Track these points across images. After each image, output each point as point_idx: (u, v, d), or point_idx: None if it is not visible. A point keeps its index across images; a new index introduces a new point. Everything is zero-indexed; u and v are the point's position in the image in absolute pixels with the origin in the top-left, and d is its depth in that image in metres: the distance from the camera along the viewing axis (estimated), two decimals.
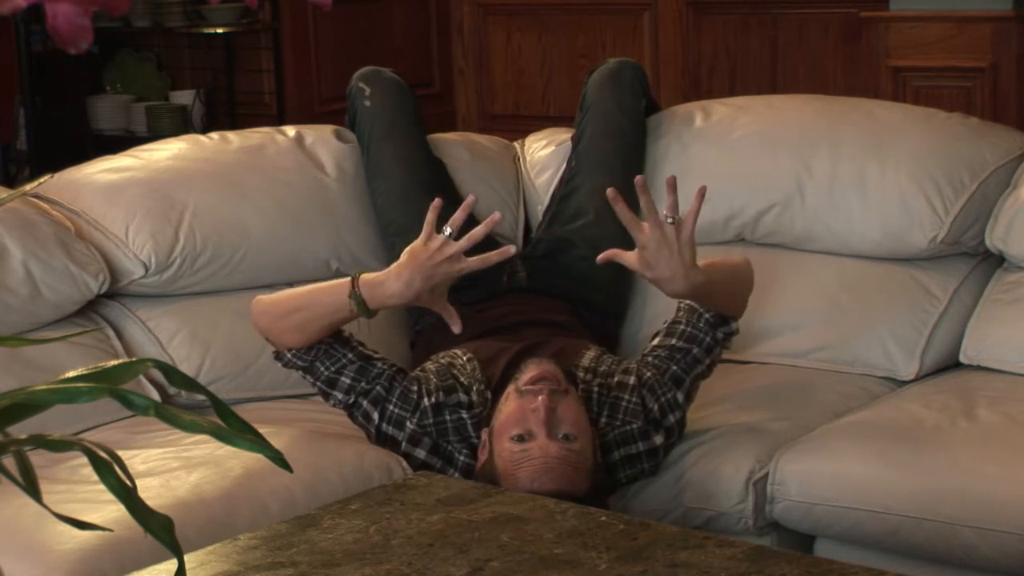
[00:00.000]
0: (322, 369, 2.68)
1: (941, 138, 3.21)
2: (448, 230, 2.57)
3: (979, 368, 3.03)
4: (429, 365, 2.77)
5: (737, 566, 1.84)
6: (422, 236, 2.56)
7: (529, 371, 2.56)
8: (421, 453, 2.67)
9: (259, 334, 2.74)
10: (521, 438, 2.47)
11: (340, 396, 2.69)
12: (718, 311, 2.72)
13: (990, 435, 2.69)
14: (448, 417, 2.66)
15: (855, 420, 2.83)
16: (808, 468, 2.69)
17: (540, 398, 2.48)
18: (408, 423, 2.67)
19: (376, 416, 2.69)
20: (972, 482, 2.57)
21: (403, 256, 2.57)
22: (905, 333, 3.09)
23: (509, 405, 2.53)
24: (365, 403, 2.69)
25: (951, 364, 3.09)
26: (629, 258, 2.61)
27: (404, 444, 2.67)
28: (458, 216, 2.59)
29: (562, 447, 2.46)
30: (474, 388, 2.69)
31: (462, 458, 2.65)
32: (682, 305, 2.75)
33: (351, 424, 2.88)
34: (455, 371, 2.73)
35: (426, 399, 2.67)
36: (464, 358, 2.76)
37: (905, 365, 3.07)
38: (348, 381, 2.68)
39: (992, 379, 2.96)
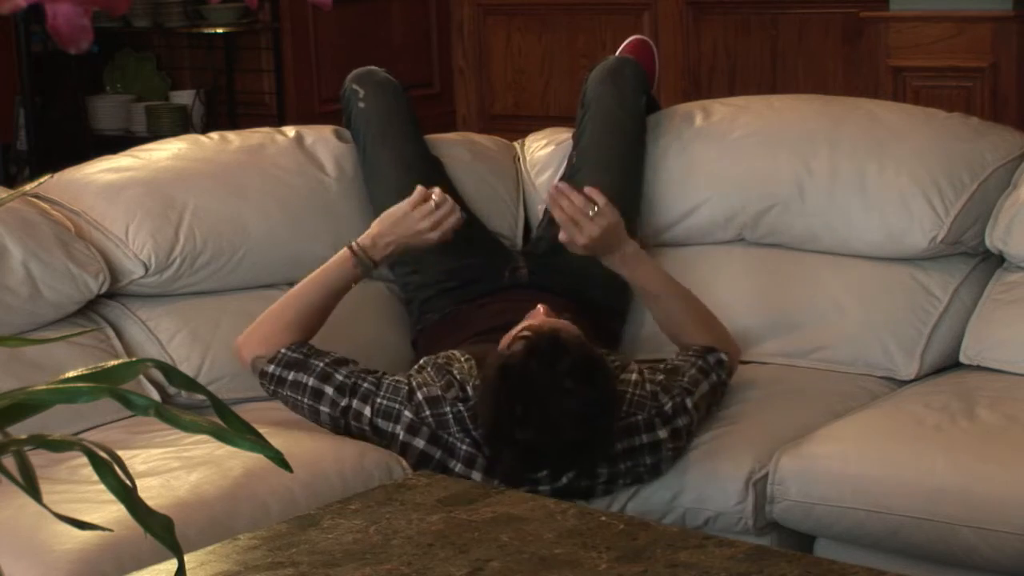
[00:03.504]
0: (316, 363, 2.74)
1: (941, 138, 3.21)
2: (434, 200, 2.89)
3: (979, 368, 3.03)
4: (425, 362, 2.78)
5: (737, 566, 1.84)
6: (409, 203, 2.89)
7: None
8: (420, 443, 2.68)
9: (250, 360, 2.82)
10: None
11: (332, 394, 2.71)
12: (689, 337, 2.89)
13: (990, 435, 2.69)
14: (449, 409, 2.67)
15: (855, 420, 2.83)
16: (808, 468, 2.69)
17: (540, 306, 2.64)
18: (404, 412, 2.68)
19: (368, 412, 2.70)
20: (972, 482, 2.57)
21: (387, 220, 2.89)
22: (905, 333, 3.09)
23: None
24: (355, 402, 2.71)
25: (951, 364, 3.09)
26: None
27: (403, 434, 2.68)
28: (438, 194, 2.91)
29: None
30: (469, 384, 2.70)
31: (464, 447, 2.66)
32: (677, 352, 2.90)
33: None
34: (452, 368, 2.73)
35: (419, 392, 2.68)
36: (462, 358, 2.77)
37: (905, 365, 3.07)
38: (341, 378, 2.72)
39: (992, 379, 2.96)
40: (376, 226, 2.90)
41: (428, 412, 2.67)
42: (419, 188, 2.92)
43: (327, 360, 2.75)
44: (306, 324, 2.83)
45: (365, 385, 2.72)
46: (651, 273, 2.91)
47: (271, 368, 2.76)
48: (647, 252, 2.98)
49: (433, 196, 2.89)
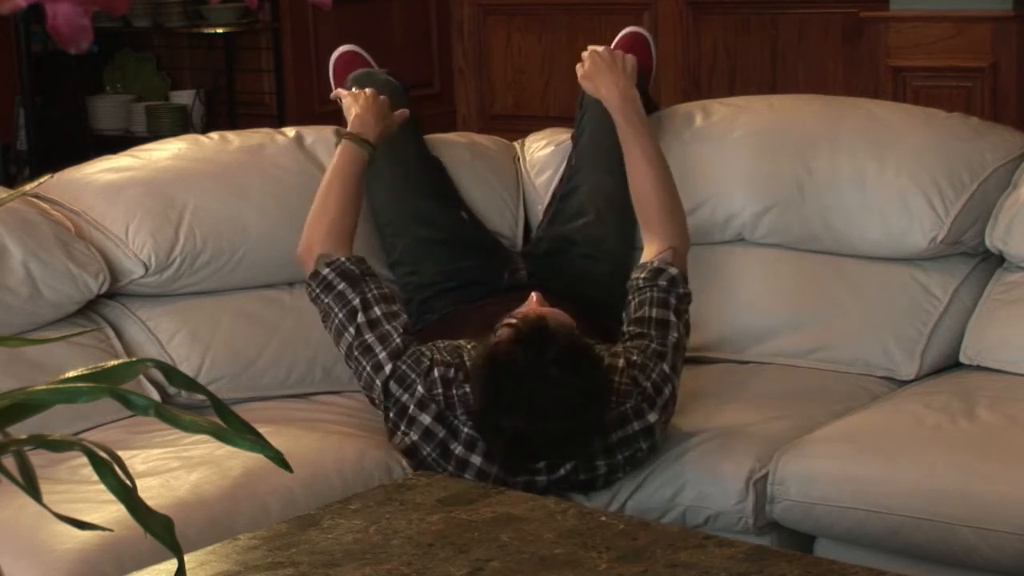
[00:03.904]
0: (366, 287, 2.77)
1: (941, 138, 3.21)
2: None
3: (979, 368, 3.03)
4: (439, 343, 2.79)
5: (737, 566, 1.84)
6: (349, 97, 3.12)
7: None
8: (426, 419, 2.69)
9: (316, 256, 2.84)
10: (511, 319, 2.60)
11: (362, 323, 2.74)
12: (657, 213, 2.93)
13: (990, 435, 2.69)
14: (455, 392, 2.67)
15: (855, 420, 2.83)
16: (808, 468, 2.70)
17: (533, 295, 2.65)
18: (419, 387, 2.69)
19: (388, 369, 2.71)
20: (972, 482, 2.57)
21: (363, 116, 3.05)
22: (905, 333, 3.09)
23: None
24: (382, 354, 2.72)
25: (951, 364, 3.09)
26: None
27: (412, 407, 2.69)
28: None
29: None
30: None
31: (467, 430, 2.66)
32: (628, 286, 2.86)
33: (351, 424, 2.89)
34: (463, 352, 2.74)
35: (437, 369, 2.69)
36: (469, 346, 2.78)
37: (905, 365, 3.07)
38: (379, 313, 2.75)
39: (992, 379, 2.96)
40: (356, 123, 3.03)
41: (440, 391, 2.69)
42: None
43: (375, 292, 2.78)
44: (351, 211, 2.90)
45: (397, 341, 2.73)
46: (638, 123, 3.04)
47: (325, 271, 2.80)
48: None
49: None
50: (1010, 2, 4.65)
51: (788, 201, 3.23)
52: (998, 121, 3.80)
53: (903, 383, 3.06)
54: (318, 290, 2.80)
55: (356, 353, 2.76)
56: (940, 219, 3.09)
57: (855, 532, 2.65)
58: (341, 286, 2.78)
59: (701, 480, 2.73)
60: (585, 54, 3.19)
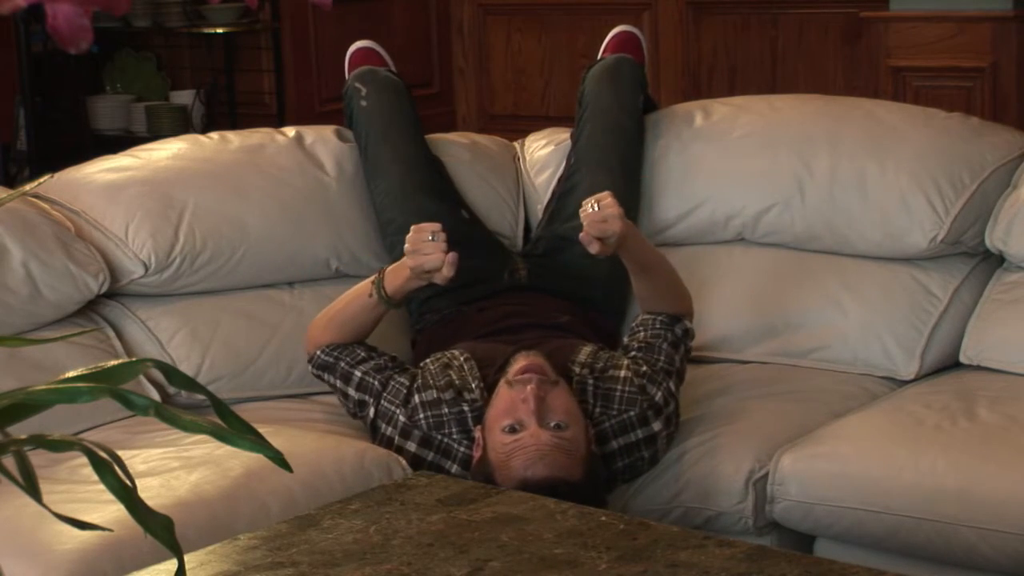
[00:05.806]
0: (342, 364, 2.81)
1: (941, 138, 3.21)
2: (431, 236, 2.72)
3: (979, 368, 3.03)
4: (429, 363, 2.79)
5: (737, 566, 1.85)
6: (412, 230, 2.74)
7: (517, 363, 2.60)
8: (412, 446, 2.70)
9: (305, 350, 2.90)
10: (512, 428, 2.50)
11: (353, 392, 2.79)
12: (664, 306, 2.82)
13: (990, 435, 2.69)
14: (447, 411, 2.68)
15: (855, 420, 2.83)
16: (808, 468, 2.70)
17: (529, 387, 2.51)
18: (399, 417, 2.71)
19: (372, 412, 2.76)
20: (972, 482, 2.57)
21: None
22: (905, 333, 3.09)
23: (499, 398, 2.58)
24: (372, 402, 2.77)
25: (951, 364, 3.09)
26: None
27: (397, 438, 2.72)
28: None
29: (554, 435, 2.49)
30: (472, 384, 2.70)
31: (463, 449, 2.66)
32: (635, 322, 2.85)
33: (351, 424, 2.90)
34: (451, 372, 2.74)
35: (418, 395, 2.71)
36: (461, 359, 2.77)
37: (905, 365, 3.07)
38: (359, 375, 2.79)
39: (992, 379, 2.96)
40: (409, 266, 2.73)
41: (422, 415, 2.70)
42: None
43: (350, 360, 2.81)
44: (345, 332, 2.85)
45: (375, 384, 2.77)
46: (644, 248, 2.83)
47: (310, 368, 2.88)
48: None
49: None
50: (1010, 2, 4.66)
51: (788, 201, 3.23)
52: (998, 121, 3.80)
53: (903, 383, 3.06)
54: (321, 381, 2.89)
55: (357, 414, 2.82)
56: (940, 219, 3.09)
57: (855, 532, 2.65)
58: (325, 376, 2.85)
59: (701, 480, 2.73)
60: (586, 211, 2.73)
